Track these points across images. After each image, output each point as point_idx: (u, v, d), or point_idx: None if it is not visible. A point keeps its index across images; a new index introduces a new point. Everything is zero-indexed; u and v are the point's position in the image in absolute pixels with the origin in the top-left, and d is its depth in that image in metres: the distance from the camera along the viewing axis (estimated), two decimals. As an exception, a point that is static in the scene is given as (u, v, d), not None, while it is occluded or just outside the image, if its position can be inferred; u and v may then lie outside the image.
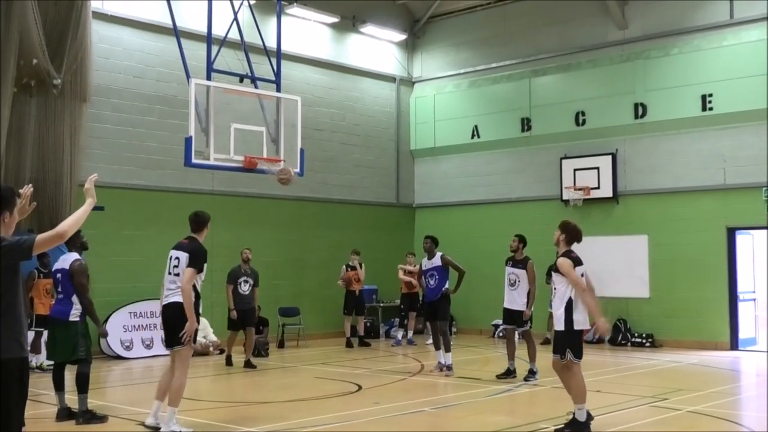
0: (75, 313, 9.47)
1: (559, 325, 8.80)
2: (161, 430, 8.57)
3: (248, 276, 15.20)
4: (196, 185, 17.54)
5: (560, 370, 8.94)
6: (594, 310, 8.79)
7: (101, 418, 9.44)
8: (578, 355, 8.78)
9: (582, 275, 8.83)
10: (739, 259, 17.41)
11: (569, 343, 8.76)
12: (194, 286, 8.75)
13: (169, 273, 8.97)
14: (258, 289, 15.38)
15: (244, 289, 15.12)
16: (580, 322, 8.77)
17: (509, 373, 12.78)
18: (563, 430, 8.79)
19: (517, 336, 13.08)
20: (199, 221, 9.19)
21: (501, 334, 19.66)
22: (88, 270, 9.59)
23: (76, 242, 9.72)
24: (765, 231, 17.40)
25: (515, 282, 12.85)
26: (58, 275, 9.67)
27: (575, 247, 9.05)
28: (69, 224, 4.93)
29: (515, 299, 12.86)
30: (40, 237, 4.84)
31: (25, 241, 4.81)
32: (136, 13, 16.90)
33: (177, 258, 8.90)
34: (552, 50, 20.06)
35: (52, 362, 13.55)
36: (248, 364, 14.57)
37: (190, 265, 8.64)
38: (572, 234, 9.05)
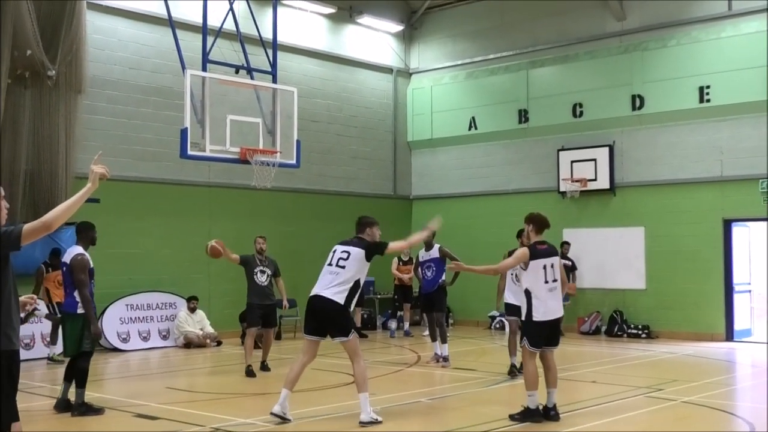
0: (81, 307, 9.46)
1: (522, 314, 9.23)
2: (361, 419, 8.72)
3: (265, 265, 13.07)
4: (192, 177, 17.51)
5: (525, 360, 9.17)
6: (474, 268, 9.73)
7: (97, 411, 9.43)
8: (534, 344, 9.01)
9: (552, 266, 9.05)
10: (735, 251, 17.42)
11: (526, 332, 9.08)
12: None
13: (330, 264, 9.18)
14: (281, 279, 13.52)
15: (262, 279, 12.93)
16: (540, 313, 8.95)
17: (514, 366, 12.19)
18: (514, 417, 8.97)
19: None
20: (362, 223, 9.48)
21: (498, 326, 19.72)
22: (90, 265, 9.55)
23: (84, 236, 9.74)
24: (761, 223, 17.42)
25: (518, 276, 12.35)
26: (64, 268, 9.69)
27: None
28: (56, 214, 4.79)
29: (519, 293, 12.38)
30: (27, 227, 4.76)
31: (13, 231, 4.73)
32: (131, 4, 16.84)
33: (346, 252, 9.12)
34: (549, 42, 20.03)
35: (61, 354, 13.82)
36: (264, 367, 13.13)
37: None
38: (538, 223, 9.30)
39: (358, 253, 9.02)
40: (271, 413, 8.85)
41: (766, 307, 17.26)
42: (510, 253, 12.19)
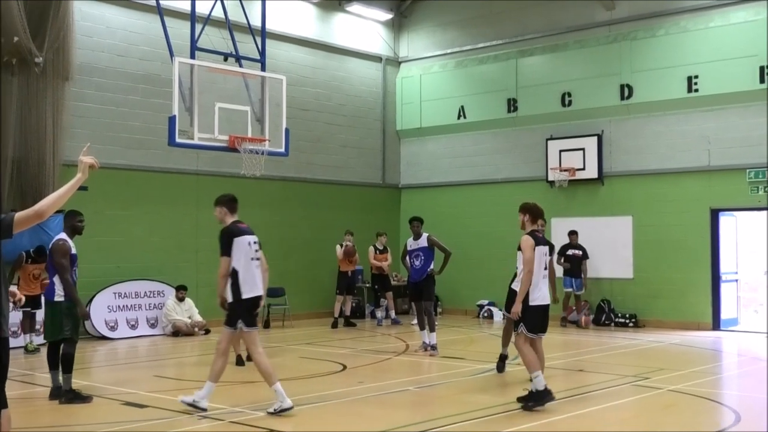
0: (59, 293, 9.49)
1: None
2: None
3: None
4: (180, 165, 17.46)
5: (520, 345, 9.27)
6: (520, 293, 9.21)
7: (85, 398, 9.43)
8: (531, 329, 9.18)
9: (545, 254, 9.37)
10: (722, 241, 17.50)
11: (522, 317, 9.16)
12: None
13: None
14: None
15: None
16: (536, 299, 9.16)
17: (505, 358, 11.77)
18: (528, 406, 8.97)
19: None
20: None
21: (486, 314, 19.78)
22: (71, 251, 9.55)
23: (67, 223, 9.80)
24: (748, 212, 17.50)
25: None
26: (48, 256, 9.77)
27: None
28: (48, 203, 4.84)
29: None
30: (19, 215, 4.79)
31: (4, 219, 4.76)
32: (119, -10, 16.75)
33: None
34: (539, 31, 20.02)
35: (37, 343, 13.92)
36: (238, 360, 12.60)
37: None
38: (534, 213, 9.50)
39: None
40: (181, 400, 8.88)
41: (767, 297, 17.22)
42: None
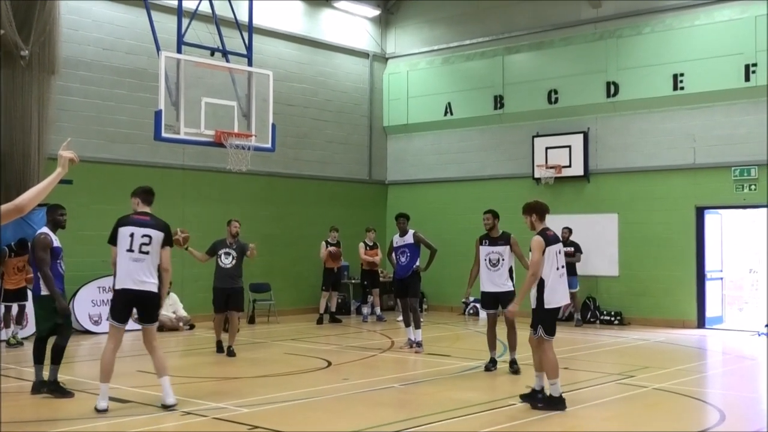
0: (43, 287, 9.47)
1: (533, 302, 9.00)
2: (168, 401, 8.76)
3: (231, 248, 13.32)
4: (166, 159, 17.39)
5: (534, 346, 9.11)
6: (521, 294, 9.09)
7: (66, 394, 9.40)
8: (549, 332, 8.93)
9: (559, 252, 9.03)
10: (707, 238, 17.57)
11: (540, 320, 8.91)
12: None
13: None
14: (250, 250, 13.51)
15: (226, 262, 13.27)
16: (552, 300, 8.89)
17: (495, 363, 11.68)
18: (536, 405, 8.90)
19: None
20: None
21: (471, 311, 19.80)
22: (53, 244, 9.52)
23: (49, 218, 9.82)
24: (733, 210, 17.59)
25: (498, 261, 11.59)
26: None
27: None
28: (28, 197, 4.79)
29: (497, 280, 11.61)
30: (1, 209, 4.74)
31: None
32: (105, -16, 16.66)
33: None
34: (525, 28, 20.04)
35: (17, 337, 13.89)
36: (229, 352, 13.08)
37: None
38: (540, 211, 9.22)
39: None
40: (97, 409, 8.60)
41: (767, 293, 17.09)
42: (483, 240, 12.05)
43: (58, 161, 5.07)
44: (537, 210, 9.20)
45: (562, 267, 9.06)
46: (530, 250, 8.95)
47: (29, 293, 12.10)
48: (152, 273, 8.79)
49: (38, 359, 9.65)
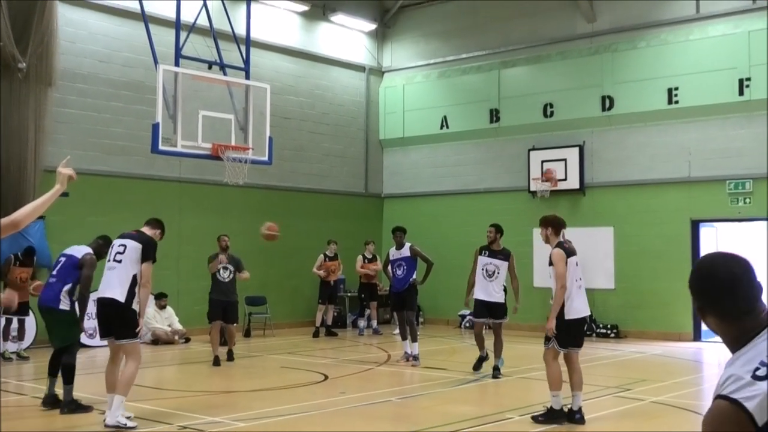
0: (66, 302, 9.42)
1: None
2: (106, 421, 8.47)
3: (228, 262, 14.06)
4: (162, 172, 17.39)
5: (548, 361, 9.01)
6: (554, 309, 8.87)
7: (85, 408, 9.35)
8: (562, 344, 8.88)
9: (577, 264, 9.00)
10: (702, 252, 17.60)
11: (558, 331, 8.83)
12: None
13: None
14: (245, 272, 14.25)
15: (224, 275, 13.94)
16: (571, 311, 8.85)
17: (483, 360, 12.44)
18: (538, 419, 8.87)
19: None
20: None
21: (467, 324, 19.77)
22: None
23: (92, 243, 9.82)
24: (729, 223, 17.63)
25: (494, 273, 12.20)
26: (62, 259, 9.70)
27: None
28: (25, 213, 4.80)
29: (492, 291, 12.21)
30: None
31: None
32: (103, -3, 16.69)
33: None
34: (521, 42, 20.12)
35: (14, 351, 13.82)
36: (229, 356, 13.90)
37: None
38: (556, 225, 9.24)
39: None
40: (106, 425, 8.48)
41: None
42: (483, 251, 12.40)
43: (56, 178, 5.06)
44: (553, 224, 9.23)
45: (581, 279, 9.03)
46: (550, 264, 8.94)
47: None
48: (120, 282, 8.67)
49: (52, 372, 9.57)
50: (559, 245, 9.03)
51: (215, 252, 14.25)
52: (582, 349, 9.22)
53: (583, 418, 8.85)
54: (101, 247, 9.70)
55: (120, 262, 8.74)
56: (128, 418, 8.54)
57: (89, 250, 9.66)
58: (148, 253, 8.85)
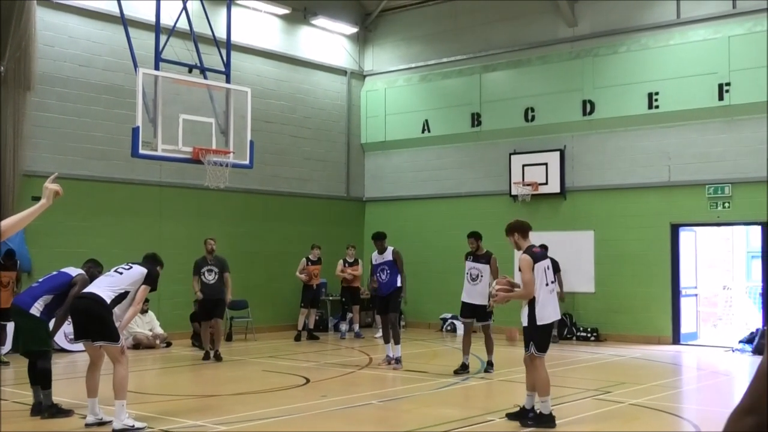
0: (38, 309, 9.33)
1: (524, 320, 8.97)
2: (114, 427, 8.46)
3: (213, 265, 14.88)
4: (143, 176, 17.33)
5: (528, 365, 9.08)
6: (512, 296, 9.03)
7: (66, 412, 9.32)
8: (541, 349, 8.91)
9: (548, 268, 9.00)
10: (682, 256, 17.71)
11: (532, 337, 8.90)
12: None
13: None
14: (229, 274, 15.06)
15: (209, 278, 14.80)
16: (543, 317, 8.87)
17: (465, 368, 12.72)
18: (526, 423, 8.88)
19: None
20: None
21: (449, 328, 19.82)
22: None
23: (85, 266, 9.79)
24: (708, 228, 17.74)
25: (477, 276, 12.87)
26: (55, 273, 9.71)
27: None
28: (8, 224, 4.82)
29: (476, 294, 12.84)
30: None
31: None
32: (82, 1, 16.60)
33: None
34: (502, 46, 20.18)
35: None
36: (216, 356, 14.47)
37: None
38: (522, 229, 9.24)
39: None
40: (113, 430, 8.46)
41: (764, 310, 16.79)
42: (468, 256, 12.96)
43: (42, 192, 5.08)
44: (519, 229, 9.21)
45: (552, 282, 9.05)
46: (519, 270, 8.94)
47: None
48: (111, 287, 8.74)
49: (34, 380, 9.52)
50: (528, 250, 9.00)
51: (201, 256, 14.87)
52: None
53: (536, 417, 8.90)
54: (91, 269, 9.78)
55: (121, 273, 8.92)
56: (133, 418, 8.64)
57: (83, 272, 9.65)
58: (150, 279, 9.06)
